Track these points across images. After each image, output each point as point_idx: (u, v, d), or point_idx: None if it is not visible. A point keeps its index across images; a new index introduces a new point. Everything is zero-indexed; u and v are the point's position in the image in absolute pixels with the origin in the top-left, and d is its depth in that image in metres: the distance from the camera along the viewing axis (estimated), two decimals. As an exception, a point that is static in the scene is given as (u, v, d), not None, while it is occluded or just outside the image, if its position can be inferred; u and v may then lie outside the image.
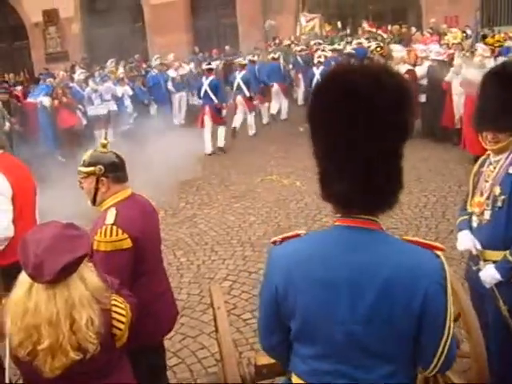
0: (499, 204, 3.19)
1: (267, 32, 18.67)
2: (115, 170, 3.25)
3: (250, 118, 13.70)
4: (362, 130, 1.74)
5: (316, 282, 1.84)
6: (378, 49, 13.29)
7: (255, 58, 15.72)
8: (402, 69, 11.08)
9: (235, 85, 13.51)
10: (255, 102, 14.11)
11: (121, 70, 16.01)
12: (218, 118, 12.48)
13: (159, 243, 3.55)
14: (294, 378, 2.01)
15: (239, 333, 4.92)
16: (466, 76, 9.74)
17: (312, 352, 1.92)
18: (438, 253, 1.89)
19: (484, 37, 13.93)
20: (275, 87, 14.91)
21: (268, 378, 3.33)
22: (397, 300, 1.78)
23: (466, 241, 3.42)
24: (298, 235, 2.06)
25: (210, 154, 12.24)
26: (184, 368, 4.56)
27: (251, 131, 13.75)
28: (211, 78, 12.56)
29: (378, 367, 1.85)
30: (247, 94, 13.41)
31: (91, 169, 3.19)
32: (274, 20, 19.97)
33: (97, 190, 3.22)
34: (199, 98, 12.96)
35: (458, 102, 10.72)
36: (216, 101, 12.33)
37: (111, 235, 3.04)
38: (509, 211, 3.16)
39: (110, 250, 3.02)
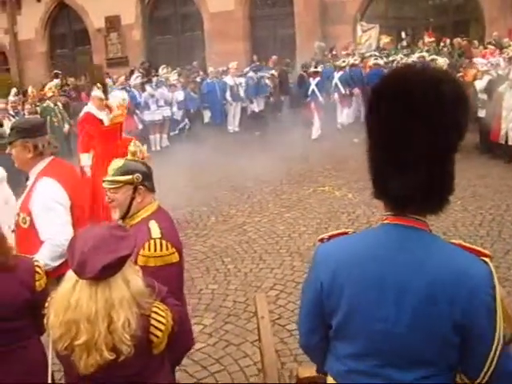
0: None
1: (317, 53, 18.55)
2: (149, 179, 3.18)
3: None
4: (420, 131, 1.74)
5: (363, 280, 1.84)
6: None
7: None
8: None
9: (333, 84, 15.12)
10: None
11: (174, 76, 16.19)
12: (321, 112, 14.74)
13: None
14: (330, 381, 2.00)
15: (283, 343, 4.87)
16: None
17: (350, 351, 1.91)
18: (486, 260, 1.83)
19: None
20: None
21: (310, 391, 3.28)
22: (441, 304, 1.75)
23: None
24: (345, 233, 2.07)
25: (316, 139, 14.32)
26: (225, 375, 4.54)
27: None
28: (318, 78, 14.79)
29: (416, 369, 1.82)
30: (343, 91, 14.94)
31: (129, 177, 3.07)
32: (333, 31, 19.87)
33: (132, 200, 3.09)
34: (306, 96, 14.88)
35: (507, 116, 10.45)
36: (321, 98, 14.77)
37: (161, 249, 2.93)
38: None
39: (160, 265, 2.91)
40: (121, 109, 7.37)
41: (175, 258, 3.00)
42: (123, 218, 3.15)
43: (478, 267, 1.80)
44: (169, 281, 2.83)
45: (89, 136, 7.94)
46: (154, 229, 2.97)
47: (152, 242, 2.92)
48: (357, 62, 15.66)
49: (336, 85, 15.14)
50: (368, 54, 16.62)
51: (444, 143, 1.77)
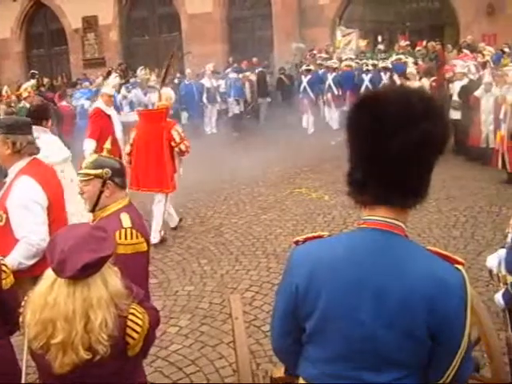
0: None
1: (295, 54, 18.65)
2: (120, 176, 3.32)
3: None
4: (393, 139, 1.77)
5: (340, 284, 1.84)
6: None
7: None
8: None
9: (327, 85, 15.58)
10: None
11: (153, 77, 16.19)
12: (313, 108, 15.62)
13: None
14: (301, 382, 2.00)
15: (258, 344, 4.89)
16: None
17: (324, 354, 1.92)
18: (459, 267, 1.88)
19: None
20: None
21: (284, 391, 3.31)
22: (417, 309, 1.78)
23: (492, 259, 3.41)
24: (320, 236, 2.08)
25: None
26: (201, 377, 4.54)
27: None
28: (309, 76, 15.57)
29: (389, 371, 1.84)
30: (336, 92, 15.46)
31: (98, 171, 3.25)
32: (311, 33, 19.97)
33: (101, 193, 3.26)
34: (299, 92, 15.74)
35: (486, 120, 10.64)
36: (312, 95, 15.58)
37: (131, 238, 3.09)
38: None
39: (130, 253, 3.06)
40: (168, 101, 8.24)
41: (144, 247, 3.17)
42: (93, 210, 3.32)
43: (454, 275, 1.84)
44: (137, 269, 3.01)
45: (100, 127, 8.43)
46: (125, 219, 3.15)
47: (123, 230, 3.10)
48: (336, 66, 15.88)
49: (329, 85, 15.57)
50: (345, 57, 16.75)
51: (419, 151, 1.80)
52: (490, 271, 3.50)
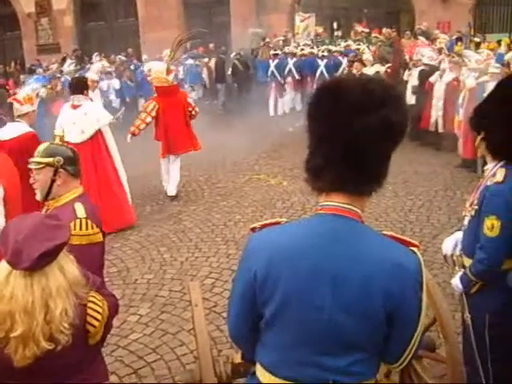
0: (472, 213, 3.22)
1: (252, 40, 18.60)
2: (73, 164, 3.24)
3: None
4: (352, 123, 1.79)
5: (299, 270, 1.85)
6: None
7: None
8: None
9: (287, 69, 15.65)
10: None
11: (106, 63, 16.00)
12: (281, 91, 16.00)
13: None
14: (261, 372, 2.00)
15: (219, 331, 4.90)
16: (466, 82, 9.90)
17: (283, 340, 1.93)
18: (414, 249, 1.93)
19: (478, 44, 14.04)
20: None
21: (245, 376, 3.31)
22: (374, 293, 1.81)
23: (448, 241, 3.47)
24: (278, 223, 2.08)
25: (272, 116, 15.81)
26: (162, 365, 4.54)
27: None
28: (276, 61, 15.73)
29: (348, 355, 1.87)
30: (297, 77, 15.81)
31: (49, 160, 3.18)
32: (268, 19, 19.93)
33: (53, 182, 3.19)
34: (267, 76, 15.91)
35: (437, 104, 10.91)
36: (280, 78, 15.80)
37: (87, 228, 3.04)
38: (477, 222, 3.17)
39: (85, 244, 3.00)
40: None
41: (99, 237, 3.12)
42: (45, 199, 3.25)
43: (409, 258, 1.87)
44: (92, 259, 2.95)
45: None
46: (80, 209, 3.09)
47: (78, 221, 3.03)
48: (296, 51, 15.96)
49: (290, 70, 15.72)
50: (302, 43, 16.80)
51: (378, 138, 1.81)
52: (445, 256, 3.57)
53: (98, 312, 2.33)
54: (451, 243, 3.49)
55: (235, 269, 5.95)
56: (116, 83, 15.15)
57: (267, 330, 1.97)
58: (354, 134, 1.78)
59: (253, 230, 2.12)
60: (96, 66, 12.43)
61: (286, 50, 16.46)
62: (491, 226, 3.03)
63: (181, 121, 8.99)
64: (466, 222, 3.30)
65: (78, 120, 7.44)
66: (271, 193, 9.05)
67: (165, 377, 4.38)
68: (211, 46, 18.56)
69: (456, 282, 3.29)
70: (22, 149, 4.73)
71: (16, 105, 5.91)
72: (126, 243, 7.15)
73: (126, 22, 22.59)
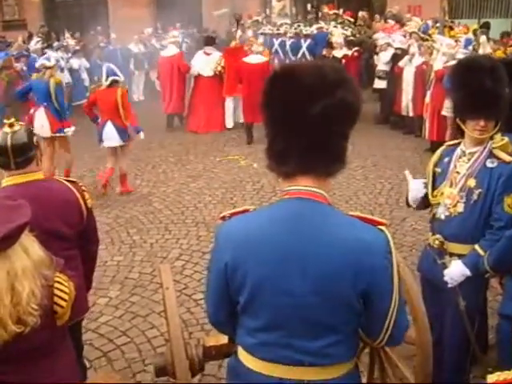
0: (475, 197, 3.23)
1: (219, 22, 18.42)
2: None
3: None
4: (308, 106, 1.82)
5: (267, 255, 1.88)
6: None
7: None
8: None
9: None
10: None
11: (71, 42, 15.71)
12: None
13: (52, 233, 3.15)
14: (242, 353, 2.04)
15: (190, 313, 4.90)
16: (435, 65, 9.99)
17: (259, 324, 1.95)
18: (382, 228, 1.95)
19: (450, 28, 14.16)
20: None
21: (216, 359, 3.34)
22: (344, 273, 1.84)
23: (417, 182, 3.52)
24: (246, 210, 2.11)
25: None
26: (132, 347, 4.52)
27: None
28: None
29: (322, 337, 1.90)
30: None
31: None
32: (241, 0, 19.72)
33: None
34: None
35: (406, 89, 11.00)
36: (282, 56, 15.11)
37: None
38: (484, 205, 3.22)
39: None
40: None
41: None
42: None
43: (376, 235, 1.91)
44: None
45: None
46: None
47: None
48: (280, 32, 15.61)
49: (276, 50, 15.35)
50: (280, 23, 16.67)
51: (337, 118, 1.85)
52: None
53: (65, 292, 2.30)
54: (420, 185, 3.52)
55: (206, 251, 6.02)
56: (85, 63, 14.88)
57: (243, 315, 2.01)
58: (314, 117, 1.81)
59: (222, 218, 2.14)
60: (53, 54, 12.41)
61: (268, 30, 16.08)
62: None
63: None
64: (459, 208, 3.30)
65: None
66: (241, 174, 9.03)
67: (135, 359, 4.36)
68: (177, 25, 18.21)
69: (458, 270, 3.28)
70: None
71: None
72: (95, 225, 7.06)
73: (95, -2, 22.15)
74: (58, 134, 8.23)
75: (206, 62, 11.97)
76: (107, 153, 8.33)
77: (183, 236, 6.68)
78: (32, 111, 8.42)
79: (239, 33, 16.02)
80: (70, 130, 8.37)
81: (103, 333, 4.70)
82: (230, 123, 12.28)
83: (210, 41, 12.45)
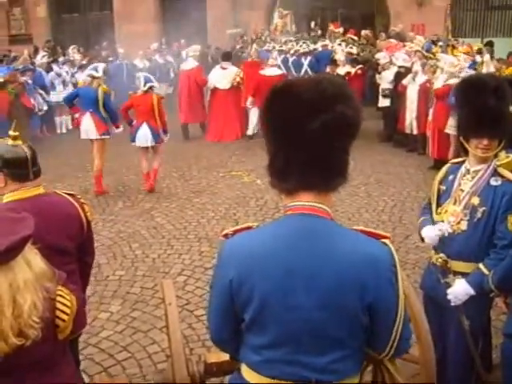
0: (478, 215, 3.22)
1: (230, 37, 18.57)
2: (13, 167, 3.05)
3: None
4: (308, 121, 1.83)
5: (273, 271, 1.87)
6: None
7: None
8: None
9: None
10: None
11: (77, 56, 15.81)
12: None
13: (54, 247, 3.08)
14: (246, 370, 2.02)
15: (191, 329, 4.87)
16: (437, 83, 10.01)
17: (265, 341, 1.94)
18: (385, 241, 1.96)
19: (453, 47, 14.21)
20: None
21: (217, 376, 3.31)
22: (350, 287, 1.84)
23: (430, 230, 3.44)
24: (249, 227, 2.12)
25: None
26: (133, 363, 4.49)
27: None
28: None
29: (329, 352, 1.89)
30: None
31: None
32: (245, 16, 19.85)
33: None
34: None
35: (410, 107, 11.02)
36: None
37: None
38: (487, 223, 3.21)
39: None
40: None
41: None
42: None
43: (380, 249, 1.91)
44: None
45: None
46: None
47: None
48: (283, 49, 15.73)
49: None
50: (284, 40, 16.77)
51: (337, 133, 1.86)
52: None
53: (67, 306, 2.29)
54: (434, 233, 3.46)
55: (208, 266, 6.00)
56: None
57: (248, 332, 1.99)
58: (314, 132, 1.81)
59: (225, 236, 2.13)
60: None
61: (271, 47, 16.08)
62: None
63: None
64: (463, 226, 3.29)
65: None
66: (245, 190, 9.03)
67: (136, 375, 4.33)
68: (182, 42, 18.31)
69: (462, 288, 3.26)
70: None
71: None
72: (98, 239, 7.03)
73: (101, 14, 22.31)
74: (103, 137, 8.93)
75: (222, 76, 12.85)
76: (140, 156, 9.11)
77: (185, 251, 6.66)
78: (78, 115, 9.52)
79: (254, 47, 16.08)
80: (119, 130, 9.32)
81: (104, 348, 4.67)
82: (250, 131, 12.82)
83: (226, 56, 13.32)
